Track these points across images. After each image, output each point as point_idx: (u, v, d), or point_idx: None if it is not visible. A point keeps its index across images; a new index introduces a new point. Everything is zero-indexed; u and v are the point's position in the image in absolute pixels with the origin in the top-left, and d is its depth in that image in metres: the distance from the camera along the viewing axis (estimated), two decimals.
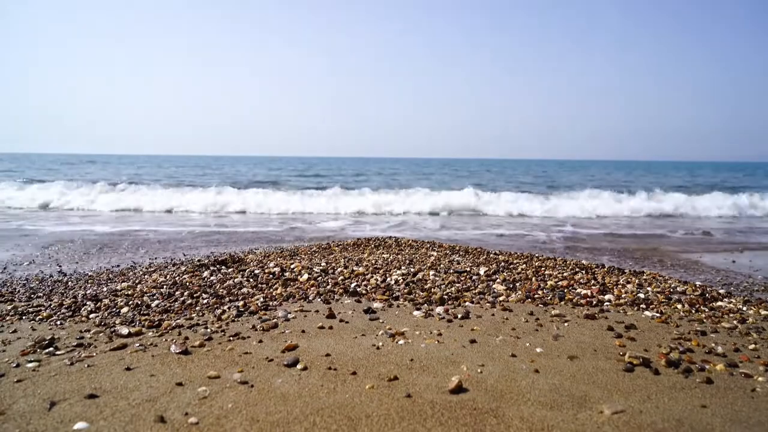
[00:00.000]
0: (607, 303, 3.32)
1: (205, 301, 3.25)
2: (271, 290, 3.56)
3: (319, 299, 3.34)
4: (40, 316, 2.94)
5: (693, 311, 3.17)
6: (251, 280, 3.88)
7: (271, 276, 3.99)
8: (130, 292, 3.49)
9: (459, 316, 2.92)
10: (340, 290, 3.55)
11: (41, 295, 3.60)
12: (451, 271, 4.23)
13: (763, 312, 3.19)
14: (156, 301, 3.24)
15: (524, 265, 4.59)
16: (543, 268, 4.45)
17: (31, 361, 2.18)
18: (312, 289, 3.60)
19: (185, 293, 3.43)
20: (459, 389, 1.89)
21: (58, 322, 2.83)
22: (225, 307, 3.08)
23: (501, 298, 3.38)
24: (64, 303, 3.22)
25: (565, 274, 4.17)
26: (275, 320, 2.81)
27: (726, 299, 3.55)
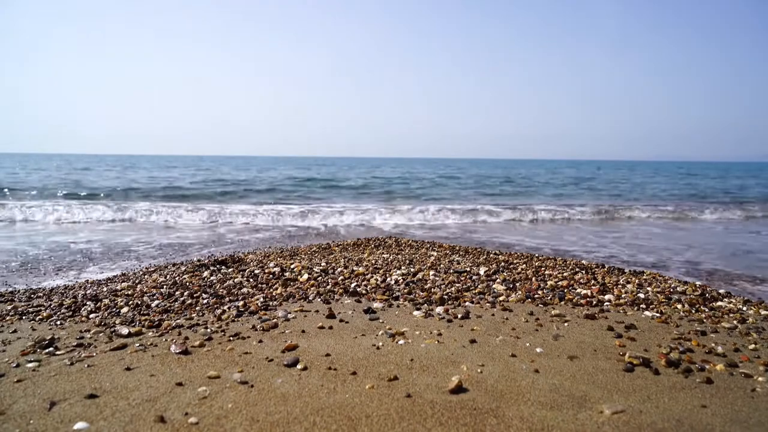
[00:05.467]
0: (607, 303, 3.32)
1: (205, 301, 3.25)
2: (271, 290, 3.56)
3: (319, 299, 3.34)
4: (40, 316, 2.94)
5: (693, 311, 3.17)
6: (251, 280, 3.87)
7: (271, 276, 3.99)
8: (130, 292, 3.49)
9: (459, 316, 2.92)
10: (340, 290, 3.55)
11: (41, 295, 3.60)
12: (451, 271, 4.23)
13: (763, 312, 3.19)
14: (156, 301, 3.24)
15: (524, 265, 4.59)
16: (543, 268, 4.45)
17: (31, 361, 2.18)
18: (312, 289, 3.60)
19: (185, 293, 3.43)
20: (459, 389, 1.89)
21: (58, 322, 2.83)
22: (225, 307, 3.08)
23: (501, 298, 3.38)
24: (64, 303, 3.22)
25: (565, 274, 4.17)
26: (275, 320, 2.81)
27: (726, 299, 3.55)
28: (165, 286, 3.66)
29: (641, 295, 3.50)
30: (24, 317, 2.95)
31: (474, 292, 3.56)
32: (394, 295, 3.43)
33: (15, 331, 2.67)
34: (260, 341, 2.47)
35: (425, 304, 3.22)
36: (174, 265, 4.74)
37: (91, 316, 2.95)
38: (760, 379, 2.07)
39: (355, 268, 4.33)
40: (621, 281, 3.98)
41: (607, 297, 3.45)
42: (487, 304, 3.23)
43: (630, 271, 4.58)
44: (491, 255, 5.29)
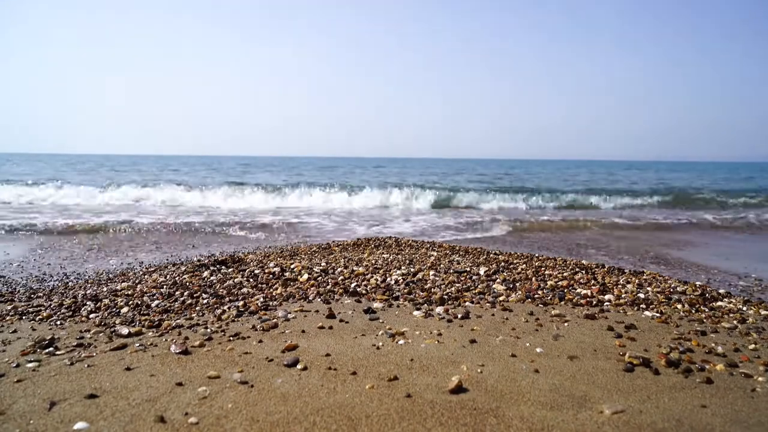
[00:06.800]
0: (607, 303, 3.32)
1: (205, 301, 3.25)
2: (271, 290, 3.56)
3: (319, 299, 3.34)
4: (40, 316, 2.94)
5: (693, 311, 3.17)
6: (251, 280, 3.87)
7: (271, 276, 3.99)
8: (130, 292, 3.49)
9: (459, 316, 2.92)
10: (340, 290, 3.55)
11: (41, 295, 3.60)
12: (451, 271, 4.23)
13: (763, 312, 3.19)
14: (156, 301, 3.24)
15: (524, 265, 4.59)
16: (543, 268, 4.45)
17: (31, 361, 2.18)
18: (312, 289, 3.60)
19: (185, 293, 3.43)
20: (459, 389, 1.89)
21: (58, 322, 2.83)
22: (225, 307, 3.08)
23: (501, 298, 3.38)
24: (64, 303, 3.22)
25: (565, 274, 4.17)
26: (275, 320, 2.81)
27: (726, 299, 3.55)
28: (165, 286, 3.66)
29: (641, 295, 3.50)
30: (24, 317, 2.95)
31: (474, 292, 3.56)
32: (394, 295, 3.43)
33: (15, 331, 2.67)
34: (260, 341, 2.47)
35: (425, 304, 3.22)
36: (174, 265, 4.74)
37: (91, 316, 2.95)
38: (760, 379, 2.07)
39: (355, 268, 4.33)
40: (621, 281, 3.98)
41: (607, 297, 3.45)
42: (487, 304, 3.23)
43: (630, 271, 4.58)
44: (491, 255, 5.29)
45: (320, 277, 3.96)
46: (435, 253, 5.29)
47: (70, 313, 3.03)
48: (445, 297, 3.36)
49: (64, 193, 12.79)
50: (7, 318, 2.94)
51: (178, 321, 2.81)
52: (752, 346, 2.47)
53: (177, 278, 3.94)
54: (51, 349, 2.35)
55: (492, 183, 22.90)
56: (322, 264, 4.48)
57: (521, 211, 12.11)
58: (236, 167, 37.15)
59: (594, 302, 3.32)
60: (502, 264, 4.66)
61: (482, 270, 4.26)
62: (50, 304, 3.22)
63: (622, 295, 3.50)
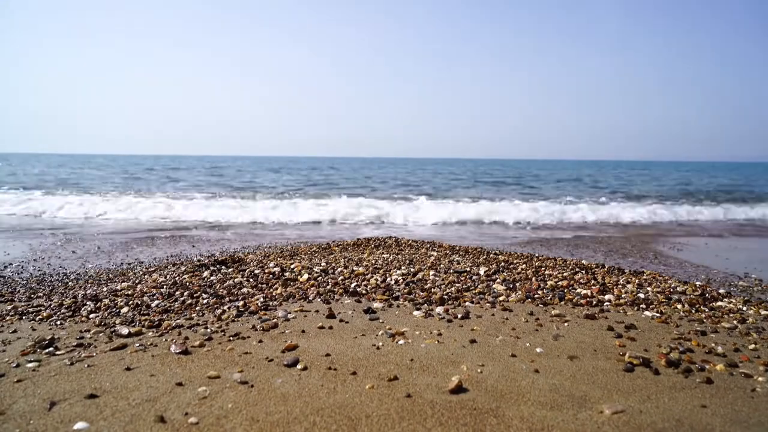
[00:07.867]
0: (607, 303, 3.32)
1: (205, 301, 3.25)
2: (271, 290, 3.56)
3: (319, 299, 3.34)
4: (40, 316, 2.94)
5: (693, 311, 3.17)
6: (251, 280, 3.87)
7: (271, 276, 3.99)
8: (130, 292, 3.49)
9: (459, 316, 2.92)
10: (340, 290, 3.55)
11: (41, 295, 3.60)
12: (451, 271, 4.23)
13: (763, 312, 3.19)
14: (156, 301, 3.24)
15: (524, 265, 4.59)
16: (543, 268, 4.45)
17: (31, 361, 2.18)
18: (312, 289, 3.60)
19: (185, 293, 3.43)
20: (459, 389, 1.89)
21: (58, 322, 2.83)
22: (225, 307, 3.08)
23: (501, 298, 3.38)
24: (64, 303, 3.22)
25: (565, 274, 4.17)
26: (275, 320, 2.81)
27: (726, 299, 3.55)
28: (165, 286, 3.66)
29: (641, 295, 3.50)
30: (24, 317, 2.95)
31: (474, 292, 3.56)
32: (394, 295, 3.43)
33: (15, 331, 2.67)
34: (260, 341, 2.47)
35: (425, 304, 3.22)
36: (174, 265, 4.74)
37: (91, 316, 2.95)
38: (760, 379, 2.07)
39: (355, 268, 4.33)
40: (621, 281, 3.98)
41: (607, 297, 3.45)
42: (487, 304, 3.23)
43: (630, 271, 4.58)
44: (491, 255, 5.29)
45: (320, 277, 3.96)
46: (435, 253, 5.29)
47: (70, 313, 3.02)
48: (445, 297, 3.36)
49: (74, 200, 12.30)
50: (7, 318, 2.94)
51: (178, 321, 2.81)
52: (752, 346, 2.47)
53: (177, 278, 3.94)
54: (51, 349, 2.35)
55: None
56: (322, 264, 4.48)
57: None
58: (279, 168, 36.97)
59: (594, 302, 3.32)
60: (502, 264, 4.65)
61: (482, 270, 4.25)
62: (50, 304, 3.22)
63: (622, 295, 3.50)
